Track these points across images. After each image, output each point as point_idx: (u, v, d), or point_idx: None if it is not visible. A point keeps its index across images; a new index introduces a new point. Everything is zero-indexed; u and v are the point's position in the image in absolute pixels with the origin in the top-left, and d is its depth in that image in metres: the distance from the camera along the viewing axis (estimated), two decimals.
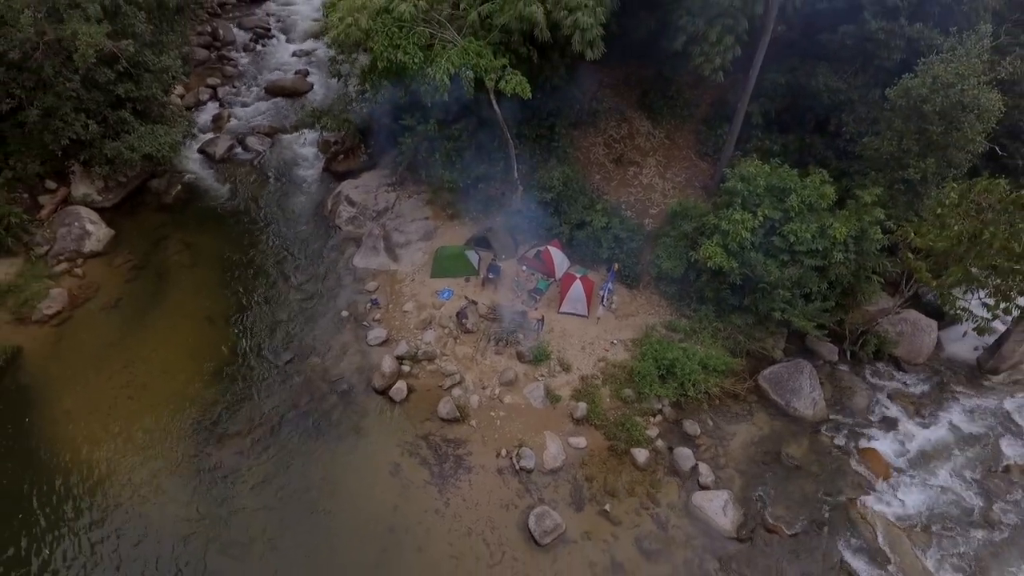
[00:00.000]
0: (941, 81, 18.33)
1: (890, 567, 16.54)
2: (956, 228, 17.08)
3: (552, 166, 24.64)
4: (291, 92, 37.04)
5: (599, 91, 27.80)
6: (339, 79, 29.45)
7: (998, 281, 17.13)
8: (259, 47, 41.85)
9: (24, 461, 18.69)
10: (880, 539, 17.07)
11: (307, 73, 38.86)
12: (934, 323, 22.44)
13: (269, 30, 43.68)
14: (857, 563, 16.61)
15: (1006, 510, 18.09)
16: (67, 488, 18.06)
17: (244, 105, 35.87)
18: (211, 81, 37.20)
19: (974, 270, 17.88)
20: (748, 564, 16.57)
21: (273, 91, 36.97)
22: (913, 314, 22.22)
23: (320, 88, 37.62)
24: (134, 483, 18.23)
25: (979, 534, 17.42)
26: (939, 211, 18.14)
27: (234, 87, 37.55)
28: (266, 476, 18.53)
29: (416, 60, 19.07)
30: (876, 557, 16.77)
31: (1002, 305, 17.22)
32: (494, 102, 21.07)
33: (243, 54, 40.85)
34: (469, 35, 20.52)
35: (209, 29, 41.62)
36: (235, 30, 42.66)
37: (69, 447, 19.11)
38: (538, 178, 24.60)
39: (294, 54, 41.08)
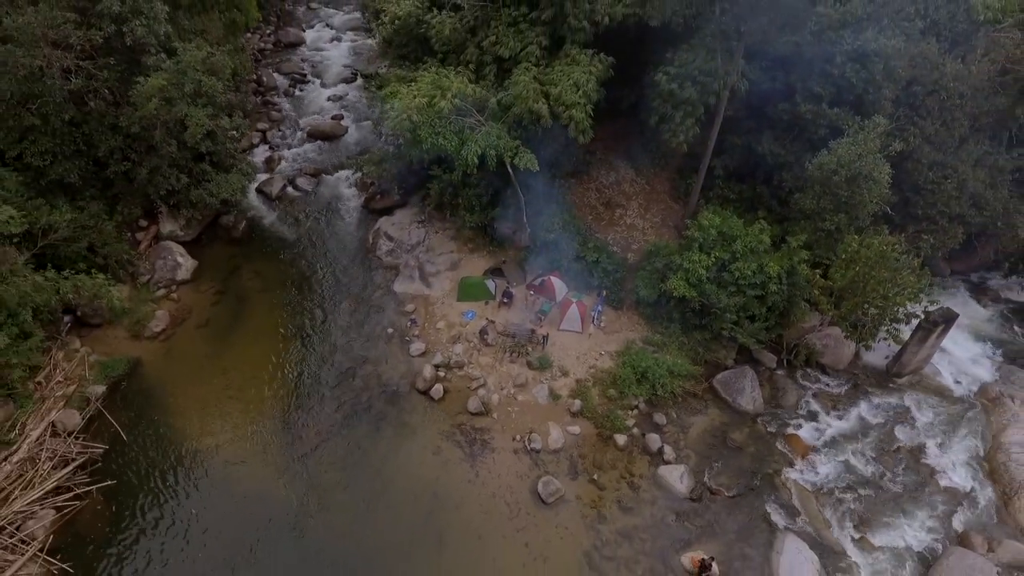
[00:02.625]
0: (843, 160, 24.51)
1: (799, 519, 22.74)
2: (850, 273, 23.29)
3: (553, 211, 30.81)
4: (329, 135, 43.23)
5: (592, 145, 33.95)
6: (380, 137, 35.47)
7: (875, 312, 23.34)
8: (297, 92, 48.07)
9: (150, 446, 24.87)
10: (794, 499, 23.28)
11: (342, 117, 45.07)
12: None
13: (305, 75, 49.90)
14: (776, 516, 22.82)
15: (890, 478, 24.30)
16: (189, 463, 24.24)
17: (290, 147, 42.06)
18: (260, 126, 43.34)
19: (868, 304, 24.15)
20: (697, 517, 22.78)
21: (314, 134, 43.18)
22: (836, 330, 28.35)
23: (353, 131, 43.83)
24: (241, 457, 24.43)
25: (867, 494, 23.64)
26: (843, 257, 24.38)
27: (280, 131, 43.73)
28: (338, 453, 24.71)
29: (452, 144, 25.30)
30: (790, 512, 22.98)
31: (883, 328, 23.44)
32: (510, 170, 27.25)
33: (284, 99, 47.06)
34: (490, 117, 26.76)
35: (255, 76, 47.80)
36: (276, 76, 48.87)
37: (186, 433, 25.30)
38: (542, 221, 30.79)
39: (328, 98, 47.28)
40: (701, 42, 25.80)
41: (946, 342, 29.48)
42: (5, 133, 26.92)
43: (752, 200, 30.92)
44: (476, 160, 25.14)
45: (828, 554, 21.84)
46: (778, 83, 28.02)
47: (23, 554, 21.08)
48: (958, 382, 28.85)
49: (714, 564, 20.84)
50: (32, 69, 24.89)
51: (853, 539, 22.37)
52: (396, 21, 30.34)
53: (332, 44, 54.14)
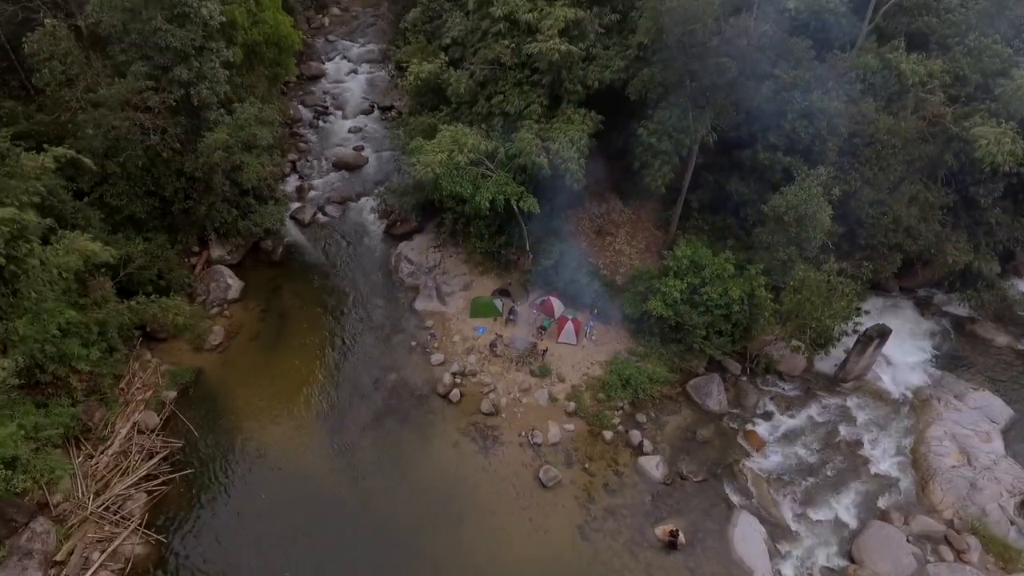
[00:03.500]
0: (792, 203, 29.62)
1: (752, 499, 27.86)
2: (796, 298, 28.45)
3: (552, 240, 35.87)
4: (352, 165, 48.30)
5: (591, 178, 39.00)
6: (400, 172, 40.50)
7: (812, 331, 28.51)
8: (321, 123, 53.10)
9: (217, 441, 29.98)
10: (749, 484, 28.38)
11: (362, 148, 50.13)
12: (813, 346, 33.69)
13: (327, 107, 54.93)
14: (733, 497, 27.94)
15: (830, 466, 29.43)
16: (250, 453, 29.35)
17: (318, 177, 47.18)
18: (291, 156, 48.36)
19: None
20: (669, 498, 27.92)
21: (338, 165, 48.23)
22: (798, 341, 33.42)
23: (373, 161, 48.86)
24: (292, 447, 29.55)
25: (810, 479, 28.77)
26: (792, 284, 29.54)
27: (308, 161, 48.79)
28: (374, 445, 29.83)
29: (468, 190, 30.47)
30: (745, 494, 28.10)
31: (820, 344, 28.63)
32: (516, 209, 32.35)
33: (310, 130, 52.12)
34: (499, 166, 31.89)
35: (289, 113, 52.80)
36: (301, 108, 53.95)
37: (246, 429, 30.42)
38: (543, 248, 35.90)
39: (350, 130, 52.29)
40: (676, 102, 30.90)
41: (890, 351, 34.67)
42: (89, 178, 32.01)
43: (723, 230, 36.01)
44: (488, 204, 30.33)
45: (774, 527, 26.97)
46: (742, 133, 33.17)
47: (126, 528, 26.26)
48: (896, 386, 33.98)
49: (680, 534, 25.98)
50: (120, 129, 30.01)
51: (795, 515, 27.52)
52: (419, 80, 35.43)
53: (350, 76, 59.16)
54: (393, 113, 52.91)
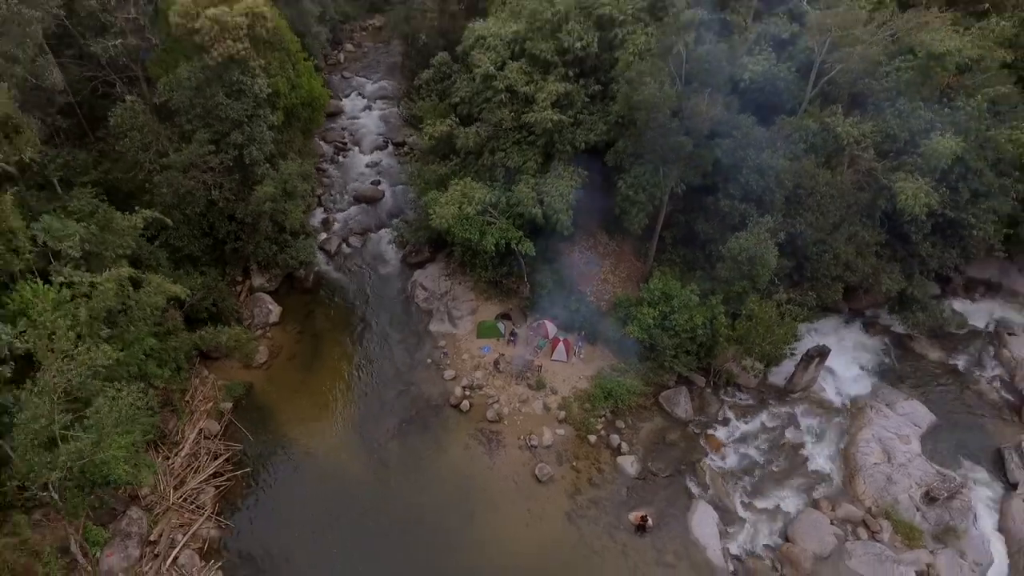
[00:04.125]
0: (743, 246, 35.78)
1: (709, 491, 34.04)
2: (745, 326, 34.65)
3: (546, 272, 42.01)
4: (370, 199, 54.45)
5: (576, 217, 45.15)
6: (415, 210, 46.64)
7: (760, 355, 34.75)
8: (341, 158, 59.30)
9: (269, 444, 36.20)
10: (707, 478, 34.55)
11: (379, 182, 56.29)
12: (760, 364, 39.84)
13: (346, 143, 61.13)
14: (693, 489, 34.13)
15: (775, 464, 35.60)
16: (296, 453, 35.58)
17: (340, 211, 53.28)
18: (316, 191, 54.59)
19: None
20: (641, 490, 34.12)
21: (358, 198, 54.38)
22: (748, 360, 39.54)
23: (389, 195, 55.00)
24: (330, 451, 35.75)
25: (757, 475, 34.96)
26: (744, 314, 35.72)
27: (331, 195, 54.95)
28: (397, 447, 36.04)
29: (476, 236, 36.74)
30: (703, 487, 34.28)
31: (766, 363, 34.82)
32: (516, 250, 38.54)
33: (332, 165, 58.34)
34: (501, 213, 38.09)
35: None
36: (323, 144, 60.09)
37: (292, 435, 36.64)
38: (538, 279, 42.06)
39: (367, 165, 58.46)
40: (648, 162, 37.05)
41: (834, 365, 40.87)
42: (156, 224, 38.18)
43: (692, 262, 42.12)
44: (493, 248, 36.55)
45: (726, 513, 33.18)
46: (707, 182, 39.27)
47: (201, 515, 32.51)
48: (838, 396, 40.13)
49: (649, 519, 32.18)
50: (187, 186, 36.23)
51: (744, 504, 33.73)
52: (434, 138, 41.60)
53: (365, 112, 65.34)
54: (405, 149, 59.11)
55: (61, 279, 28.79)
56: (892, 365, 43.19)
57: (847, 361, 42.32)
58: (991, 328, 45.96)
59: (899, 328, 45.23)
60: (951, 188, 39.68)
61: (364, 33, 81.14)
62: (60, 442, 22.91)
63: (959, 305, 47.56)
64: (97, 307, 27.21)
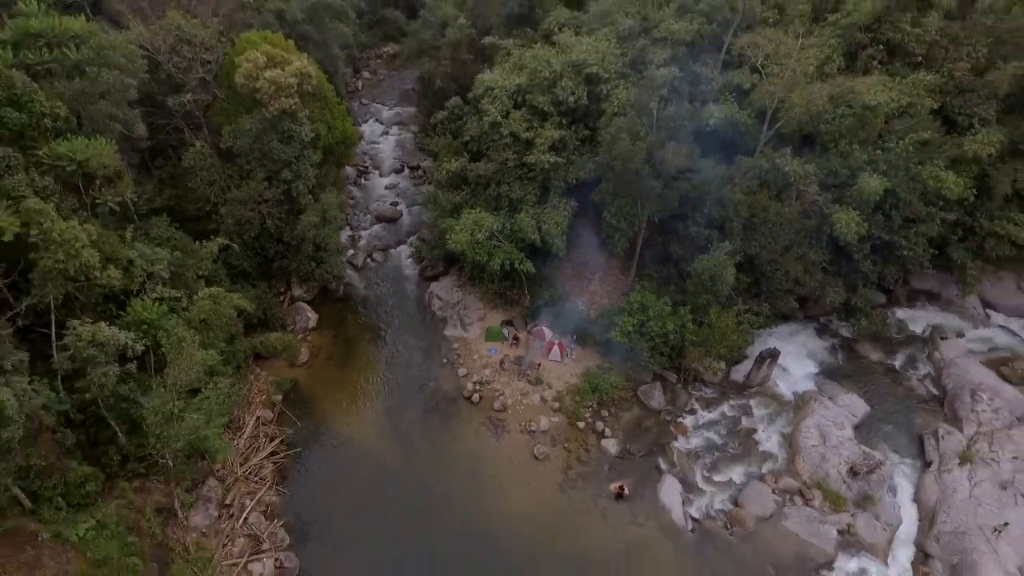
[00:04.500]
0: (705, 267, 43.35)
1: (676, 468, 41.65)
2: (704, 333, 42.26)
3: (543, 285, 49.63)
4: (389, 219, 62.10)
5: (570, 240, 52.71)
6: (432, 229, 54.31)
7: (718, 357, 42.41)
8: (363, 181, 66.97)
9: (313, 429, 43.88)
10: (675, 457, 42.16)
11: (397, 203, 63.92)
12: (721, 364, 47.30)
13: (367, 167, 68.77)
14: (663, 466, 41.74)
15: (732, 446, 43.20)
16: (336, 437, 43.25)
17: (364, 229, 60.96)
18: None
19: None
20: (620, 466, 41.72)
21: (379, 218, 62.06)
22: (713, 361, 47.03)
23: (406, 215, 62.66)
24: (364, 435, 43.42)
25: (716, 455, 42.56)
26: (706, 322, 43.34)
27: (355, 214, 62.64)
28: (420, 433, 43.68)
29: (485, 258, 44.42)
30: (671, 464, 41.87)
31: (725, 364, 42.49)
32: (518, 269, 46.20)
33: (355, 187, 66.02)
34: (505, 237, 45.75)
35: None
36: (347, 168, 67.71)
37: (332, 421, 44.30)
38: (536, 291, 49.67)
39: (386, 187, 66.13)
40: (627, 197, 44.61)
41: (788, 364, 48.45)
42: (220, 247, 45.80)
43: (667, 278, 49.62)
44: (499, 268, 44.19)
45: (688, 485, 40.78)
46: (679, 211, 46.80)
47: (264, 486, 40.17)
48: (788, 390, 47.68)
49: (626, 488, 39.79)
50: (247, 216, 43.89)
51: (703, 477, 41.33)
52: (449, 173, 49.25)
53: (383, 137, 73.01)
54: (419, 172, 66.73)
55: (155, 295, 36.41)
56: (838, 364, 50.72)
57: (799, 361, 49.91)
58: (926, 333, 53.49)
59: (846, 332, 52.83)
60: (885, 216, 47.30)
61: (379, 60, 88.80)
62: (176, 421, 30.52)
63: (902, 313, 55.13)
64: (195, 318, 34.85)
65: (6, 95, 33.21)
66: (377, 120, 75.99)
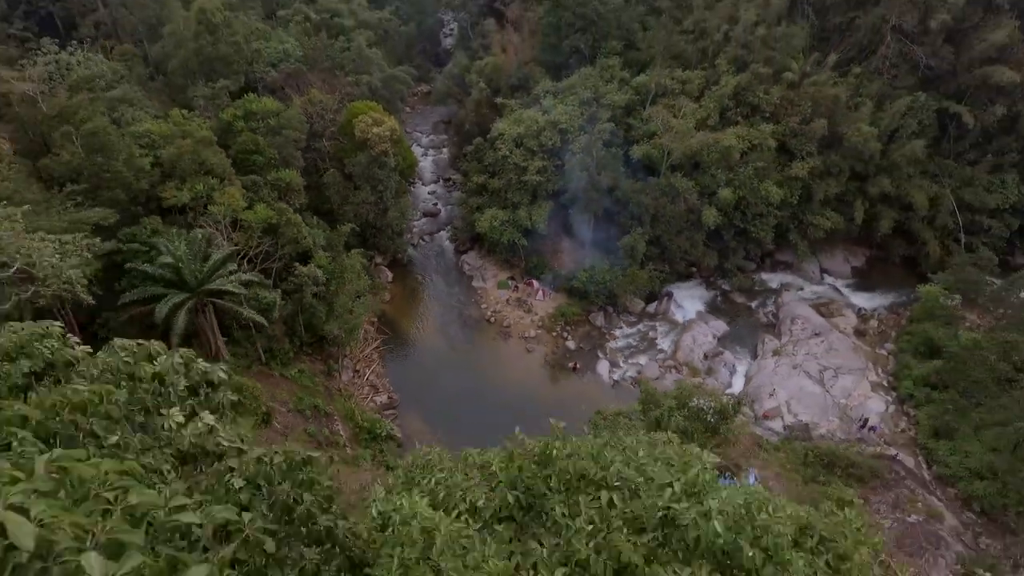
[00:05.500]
0: (626, 243, 74.51)
1: (608, 355, 72.69)
2: (628, 280, 73.45)
3: (534, 255, 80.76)
4: (432, 214, 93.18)
5: (549, 225, 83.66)
6: (461, 220, 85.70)
7: (637, 296, 73.62)
8: (412, 188, 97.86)
9: (397, 336, 75.14)
10: (607, 351, 73.22)
11: (436, 204, 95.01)
12: (640, 300, 78.10)
13: (414, 179, 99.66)
14: (600, 355, 72.76)
15: (642, 346, 74.24)
16: (408, 343, 74.56)
17: (415, 221, 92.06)
18: None
19: None
20: (575, 355, 72.84)
21: (426, 213, 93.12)
22: (630, 298, 77.86)
23: (444, 212, 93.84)
24: (426, 340, 74.61)
25: (632, 350, 73.66)
26: (629, 275, 74.48)
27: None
28: (459, 338, 74.90)
29: (498, 236, 75.56)
30: (604, 354, 72.96)
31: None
32: (517, 244, 77.33)
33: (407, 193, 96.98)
34: (511, 225, 77.07)
35: None
36: None
37: (405, 335, 75.50)
38: (529, 257, 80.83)
39: (428, 192, 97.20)
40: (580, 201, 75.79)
41: (683, 302, 79.56)
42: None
43: (608, 249, 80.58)
44: (507, 242, 75.31)
45: (614, 365, 71.89)
46: (613, 209, 77.75)
47: (374, 364, 71.42)
48: (681, 318, 78.66)
49: (577, 365, 70.93)
50: (358, 213, 75.07)
51: (622, 361, 72.42)
52: (475, 184, 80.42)
53: (423, 158, 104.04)
54: (451, 183, 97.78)
55: (320, 259, 67.22)
56: (716, 305, 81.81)
57: (691, 302, 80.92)
58: (777, 287, 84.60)
59: (725, 287, 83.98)
60: (742, 212, 78.40)
61: (415, 97, 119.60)
62: (348, 313, 61.49)
63: (766, 275, 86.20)
64: (349, 266, 65.96)
65: (253, 147, 64.28)
66: (418, 144, 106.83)
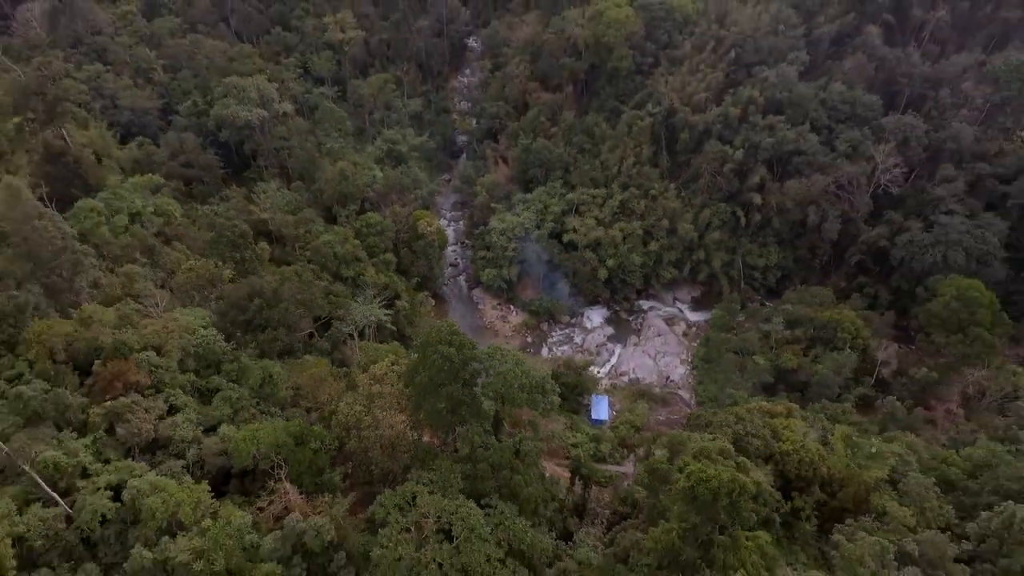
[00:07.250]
0: (555, 281, 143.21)
1: (546, 343, 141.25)
2: (557, 305, 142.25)
3: (511, 293, 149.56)
4: (453, 264, 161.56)
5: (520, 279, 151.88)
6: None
7: (563, 312, 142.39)
8: (443, 252, 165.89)
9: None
10: (547, 342, 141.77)
11: (456, 259, 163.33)
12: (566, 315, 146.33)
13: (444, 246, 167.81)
14: (543, 345, 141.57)
15: (564, 338, 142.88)
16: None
17: (446, 270, 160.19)
18: None
19: None
20: (530, 344, 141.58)
21: (450, 264, 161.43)
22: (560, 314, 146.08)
23: (462, 263, 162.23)
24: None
25: (561, 340, 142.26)
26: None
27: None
28: (471, 333, 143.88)
29: (495, 282, 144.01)
30: (545, 343, 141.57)
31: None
32: (503, 287, 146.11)
33: None
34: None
35: None
36: None
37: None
38: (510, 294, 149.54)
39: (451, 250, 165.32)
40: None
41: (593, 318, 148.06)
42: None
43: (550, 288, 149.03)
44: (497, 285, 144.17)
45: (549, 348, 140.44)
46: (554, 271, 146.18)
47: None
48: (591, 325, 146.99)
49: (531, 350, 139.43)
50: (420, 270, 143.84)
51: (555, 349, 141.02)
52: (484, 249, 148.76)
53: (447, 227, 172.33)
54: (468, 245, 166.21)
55: (404, 297, 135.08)
56: (612, 318, 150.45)
57: (596, 317, 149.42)
58: (647, 308, 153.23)
59: (616, 308, 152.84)
60: (622, 269, 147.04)
61: (440, 181, 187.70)
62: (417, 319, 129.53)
63: (641, 302, 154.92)
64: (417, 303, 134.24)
65: (373, 243, 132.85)
66: (443, 218, 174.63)
